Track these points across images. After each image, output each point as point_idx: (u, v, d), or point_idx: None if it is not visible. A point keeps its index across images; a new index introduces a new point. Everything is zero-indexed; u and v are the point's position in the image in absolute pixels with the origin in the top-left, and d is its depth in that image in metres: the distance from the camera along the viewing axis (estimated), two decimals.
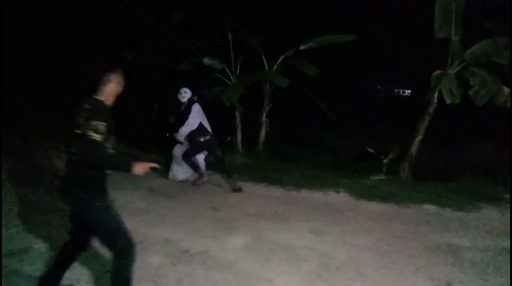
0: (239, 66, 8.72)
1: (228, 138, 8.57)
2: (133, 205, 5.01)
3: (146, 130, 9.61)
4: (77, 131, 2.42)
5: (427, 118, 6.68)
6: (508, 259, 3.74)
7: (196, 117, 6.01)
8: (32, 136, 8.37)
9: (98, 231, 2.59)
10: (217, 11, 8.24)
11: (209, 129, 6.16)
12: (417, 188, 6.10)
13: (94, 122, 2.41)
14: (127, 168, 2.51)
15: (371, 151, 7.27)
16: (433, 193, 5.90)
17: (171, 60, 8.89)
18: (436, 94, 6.47)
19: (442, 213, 5.17)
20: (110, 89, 2.62)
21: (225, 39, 8.55)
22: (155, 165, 2.66)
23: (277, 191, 6.05)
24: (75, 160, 2.48)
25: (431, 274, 3.49)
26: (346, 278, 3.36)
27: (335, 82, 20.98)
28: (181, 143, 6.29)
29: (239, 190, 5.88)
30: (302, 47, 8.16)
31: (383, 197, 5.67)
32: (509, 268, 3.54)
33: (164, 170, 6.35)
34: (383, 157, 6.96)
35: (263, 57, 8.47)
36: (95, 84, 2.61)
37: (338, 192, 5.97)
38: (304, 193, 5.96)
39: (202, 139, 6.06)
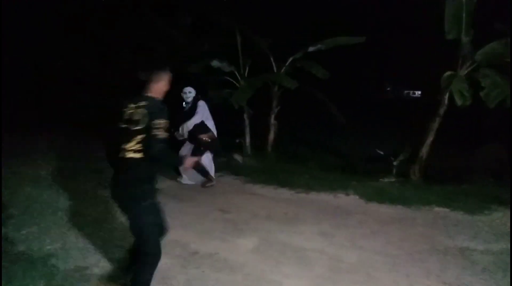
0: (247, 68, 8.73)
1: (237, 140, 8.58)
2: None
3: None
4: (136, 128, 2.47)
5: (437, 119, 6.60)
6: None
7: (202, 113, 6.00)
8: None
9: (135, 229, 2.66)
10: (225, 14, 8.26)
11: (213, 129, 6.19)
12: (428, 191, 6.04)
13: (160, 121, 2.48)
14: (180, 163, 2.92)
15: (381, 153, 7.20)
16: (444, 195, 5.82)
17: (181, 63, 8.94)
18: (446, 96, 6.40)
19: (453, 216, 5.11)
20: (161, 87, 2.71)
21: (233, 42, 8.57)
22: (197, 160, 2.85)
23: (286, 193, 6.03)
24: (137, 158, 2.51)
25: (443, 277, 3.45)
26: (356, 282, 3.34)
27: (344, 83, 20.88)
28: (185, 142, 6.28)
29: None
30: (310, 49, 8.13)
31: (393, 200, 5.62)
32: None
33: (171, 171, 6.39)
34: (393, 159, 6.89)
35: (272, 59, 8.46)
36: (142, 83, 2.69)
37: (347, 195, 5.93)
38: (313, 195, 5.93)
39: (204, 138, 6.07)
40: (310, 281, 3.33)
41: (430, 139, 6.67)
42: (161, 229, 2.77)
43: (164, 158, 2.61)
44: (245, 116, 8.65)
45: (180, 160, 2.98)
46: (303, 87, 7.85)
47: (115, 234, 4.12)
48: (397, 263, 3.71)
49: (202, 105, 6.08)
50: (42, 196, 5.14)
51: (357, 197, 5.83)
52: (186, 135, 6.16)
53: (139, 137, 2.48)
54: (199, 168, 6.09)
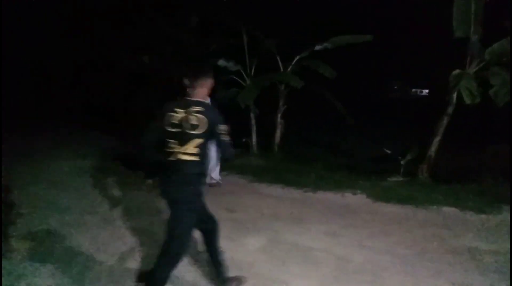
0: (254, 67, 8.73)
1: (243, 140, 8.58)
2: (152, 205, 5.06)
3: None
4: (194, 132, 2.56)
5: (445, 118, 6.55)
6: None
7: None
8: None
9: (174, 227, 2.72)
10: (232, 14, 8.27)
11: None
12: (436, 190, 5.99)
13: (223, 126, 2.65)
14: None
15: (388, 152, 7.16)
16: (453, 195, 5.77)
17: (189, 64, 8.95)
18: (455, 94, 6.35)
19: (462, 216, 5.06)
20: (206, 92, 2.79)
21: (240, 41, 8.57)
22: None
23: (292, 193, 6.02)
24: (193, 161, 2.60)
25: (452, 278, 3.42)
26: (363, 282, 3.32)
27: (351, 82, 20.81)
28: None
29: None
30: (317, 48, 8.11)
31: (401, 199, 5.58)
32: None
33: None
34: (400, 158, 6.85)
35: (278, 58, 8.45)
36: (182, 87, 2.75)
37: (355, 194, 5.90)
38: (320, 195, 5.91)
39: None
40: (317, 281, 3.32)
41: (438, 138, 6.61)
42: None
43: (233, 160, 2.77)
44: (252, 115, 8.65)
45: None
46: (309, 86, 7.83)
47: (123, 232, 4.14)
48: (404, 263, 3.68)
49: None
50: (49, 195, 5.20)
51: (365, 196, 5.80)
52: None
53: (197, 141, 2.58)
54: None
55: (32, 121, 12.43)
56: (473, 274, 3.49)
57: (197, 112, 2.59)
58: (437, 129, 6.61)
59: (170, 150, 2.63)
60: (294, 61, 8.43)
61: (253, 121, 8.68)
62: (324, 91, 8.33)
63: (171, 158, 2.63)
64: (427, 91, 40.95)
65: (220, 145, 2.67)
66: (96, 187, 5.77)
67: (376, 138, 10.91)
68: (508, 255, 3.85)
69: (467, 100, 5.84)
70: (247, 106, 7.88)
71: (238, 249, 3.87)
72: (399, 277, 3.43)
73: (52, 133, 10.54)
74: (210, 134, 2.61)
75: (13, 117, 11.07)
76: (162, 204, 5.09)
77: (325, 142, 10.81)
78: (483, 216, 5.05)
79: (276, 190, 6.16)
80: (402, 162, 6.81)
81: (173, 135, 2.62)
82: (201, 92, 2.74)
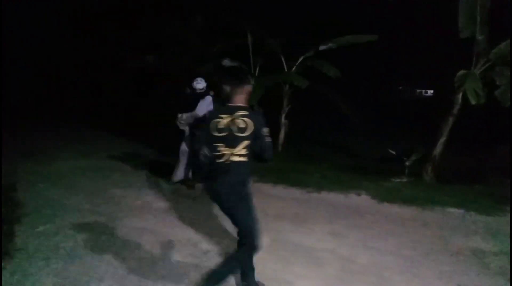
0: (258, 67, 8.73)
1: None
2: (155, 205, 5.09)
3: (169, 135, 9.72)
4: (243, 135, 2.76)
5: (451, 119, 6.52)
6: None
7: (204, 107, 5.83)
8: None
9: (246, 224, 2.94)
10: (236, 14, 8.29)
11: None
12: (441, 191, 5.97)
13: (266, 128, 2.85)
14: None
15: (393, 152, 7.13)
16: (458, 196, 5.75)
17: (194, 64, 8.97)
18: (460, 95, 6.31)
19: (467, 217, 5.04)
20: (247, 97, 2.97)
21: (244, 41, 8.58)
22: None
23: (297, 193, 6.01)
24: (244, 161, 2.82)
25: (456, 279, 3.41)
26: (368, 283, 3.32)
27: (355, 82, 20.77)
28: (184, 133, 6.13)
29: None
30: (321, 48, 8.10)
31: (406, 200, 5.56)
32: None
33: None
34: (405, 159, 6.82)
35: (282, 58, 8.45)
36: (225, 93, 2.93)
37: (359, 195, 5.89)
38: (325, 195, 5.90)
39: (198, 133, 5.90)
40: (321, 281, 3.32)
41: (443, 138, 6.58)
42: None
43: (271, 161, 3.01)
44: None
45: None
46: (314, 86, 7.82)
47: (128, 232, 4.15)
48: (409, 264, 3.67)
49: (206, 100, 5.88)
50: (54, 194, 5.23)
51: (369, 197, 5.78)
52: (185, 126, 5.94)
53: (246, 143, 2.79)
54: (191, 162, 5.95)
55: (35, 121, 12.51)
56: (478, 276, 3.48)
57: (243, 116, 2.80)
58: (442, 130, 6.58)
59: (220, 153, 2.82)
60: (299, 61, 8.42)
61: None
62: (328, 91, 8.32)
63: (222, 160, 2.82)
64: (432, 91, 40.79)
65: (263, 146, 2.85)
66: (101, 186, 5.79)
67: (380, 138, 10.88)
68: None
69: (473, 101, 5.81)
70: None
71: None
72: (403, 278, 3.42)
73: (54, 133, 10.59)
74: (255, 136, 2.80)
75: (15, 117, 11.14)
76: (162, 203, 5.17)
77: (330, 142, 10.78)
78: (488, 217, 5.03)
79: (281, 190, 6.15)
80: (407, 163, 6.78)
81: (222, 139, 2.81)
82: (243, 97, 2.94)
